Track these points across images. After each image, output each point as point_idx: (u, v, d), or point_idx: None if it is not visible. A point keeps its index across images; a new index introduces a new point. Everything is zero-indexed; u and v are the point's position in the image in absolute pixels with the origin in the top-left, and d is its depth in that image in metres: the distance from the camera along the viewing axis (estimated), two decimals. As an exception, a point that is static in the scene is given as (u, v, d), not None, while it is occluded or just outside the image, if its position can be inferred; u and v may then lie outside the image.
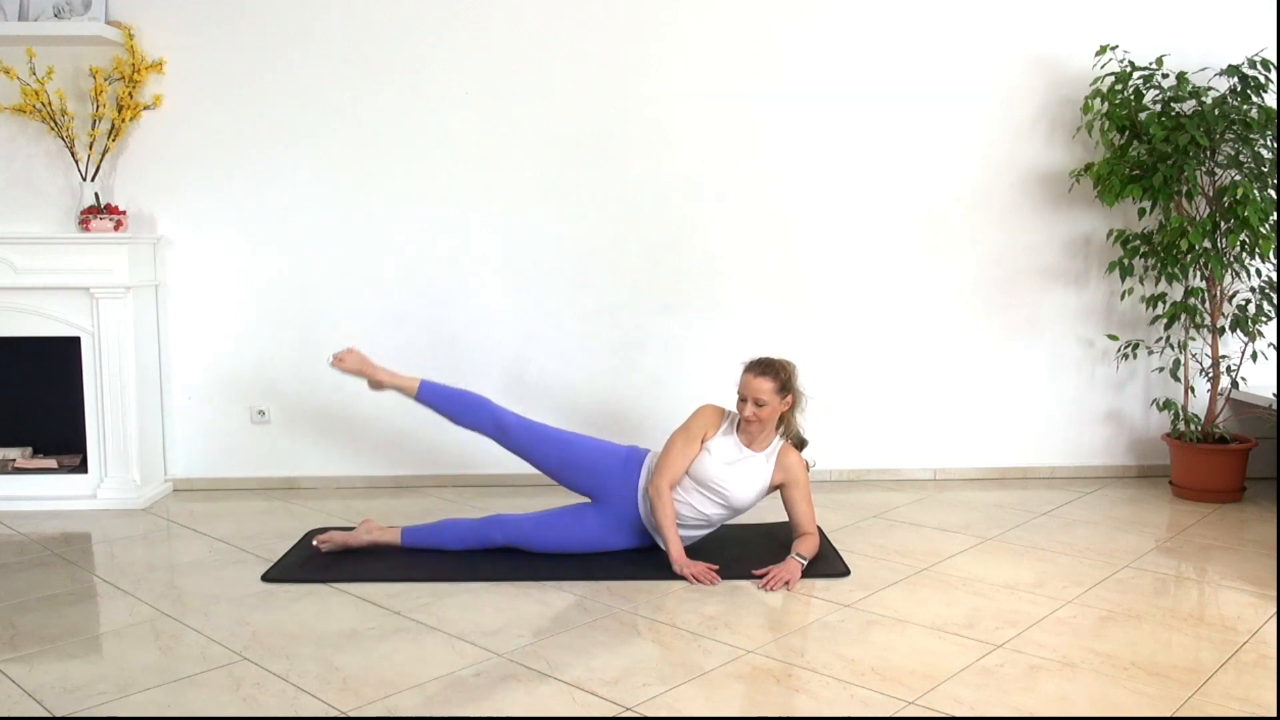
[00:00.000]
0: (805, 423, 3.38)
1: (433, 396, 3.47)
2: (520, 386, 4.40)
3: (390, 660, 2.58)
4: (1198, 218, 4.01)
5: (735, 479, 3.24)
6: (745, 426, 3.27)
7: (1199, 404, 4.28)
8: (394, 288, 4.38)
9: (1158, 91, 4.06)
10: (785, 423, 3.33)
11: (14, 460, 4.22)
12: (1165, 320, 4.13)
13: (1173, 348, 4.29)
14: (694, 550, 3.31)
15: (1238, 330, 4.06)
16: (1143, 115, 4.01)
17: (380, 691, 2.40)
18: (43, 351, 4.21)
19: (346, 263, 4.36)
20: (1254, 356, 4.11)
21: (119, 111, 4.16)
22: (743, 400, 3.24)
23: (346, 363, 3.48)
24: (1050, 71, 4.32)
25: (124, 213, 4.18)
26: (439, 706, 2.33)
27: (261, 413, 4.42)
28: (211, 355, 4.39)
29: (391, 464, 4.46)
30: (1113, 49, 4.12)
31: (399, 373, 3.52)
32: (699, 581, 3.13)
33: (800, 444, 3.36)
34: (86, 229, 4.10)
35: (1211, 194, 4.05)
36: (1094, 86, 4.14)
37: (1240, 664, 2.52)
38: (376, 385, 3.50)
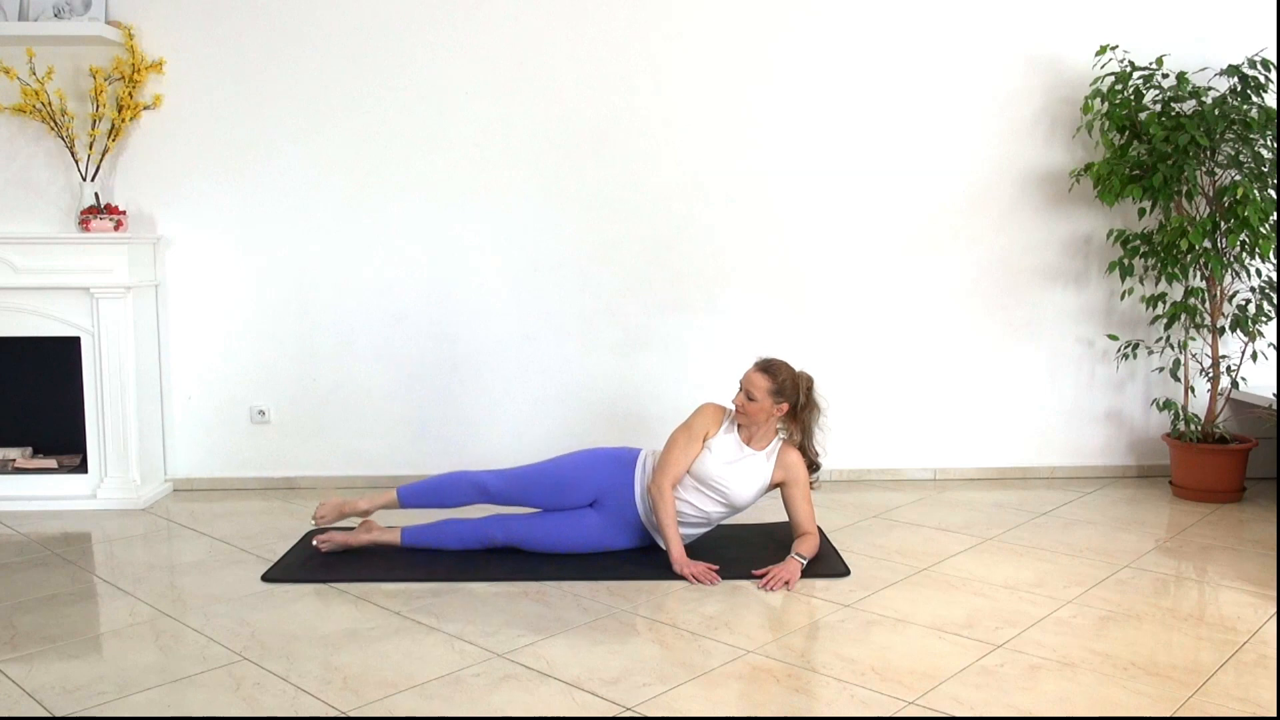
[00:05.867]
0: (821, 438, 3.34)
1: (414, 499, 3.48)
2: (521, 386, 4.41)
3: (390, 660, 2.58)
4: (1198, 218, 4.01)
5: (736, 477, 3.24)
6: (737, 417, 3.28)
7: (1199, 404, 4.28)
8: (394, 288, 4.38)
9: (1158, 91, 4.06)
10: (803, 436, 3.30)
11: (14, 460, 4.22)
12: (1165, 320, 4.13)
13: (1173, 348, 4.29)
14: (693, 550, 3.31)
15: (1238, 330, 4.06)
16: (1143, 115, 4.01)
17: (380, 691, 2.40)
18: (43, 351, 4.21)
19: (346, 263, 4.36)
20: (1254, 356, 4.11)
21: (119, 111, 4.16)
22: (739, 390, 3.26)
23: (327, 515, 3.46)
24: (1050, 71, 4.32)
25: (124, 213, 4.18)
26: (439, 706, 2.33)
27: (261, 413, 4.42)
28: (211, 355, 4.39)
29: (391, 464, 4.45)
30: (1113, 49, 4.12)
31: (374, 497, 3.52)
32: (699, 581, 3.13)
33: (813, 467, 3.32)
34: (86, 229, 4.10)
35: (1211, 194, 4.05)
36: (1094, 86, 4.14)
37: (1240, 664, 2.52)
38: (363, 515, 3.51)
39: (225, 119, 4.28)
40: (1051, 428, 4.49)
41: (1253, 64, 3.99)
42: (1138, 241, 4.12)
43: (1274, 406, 4.07)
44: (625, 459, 3.37)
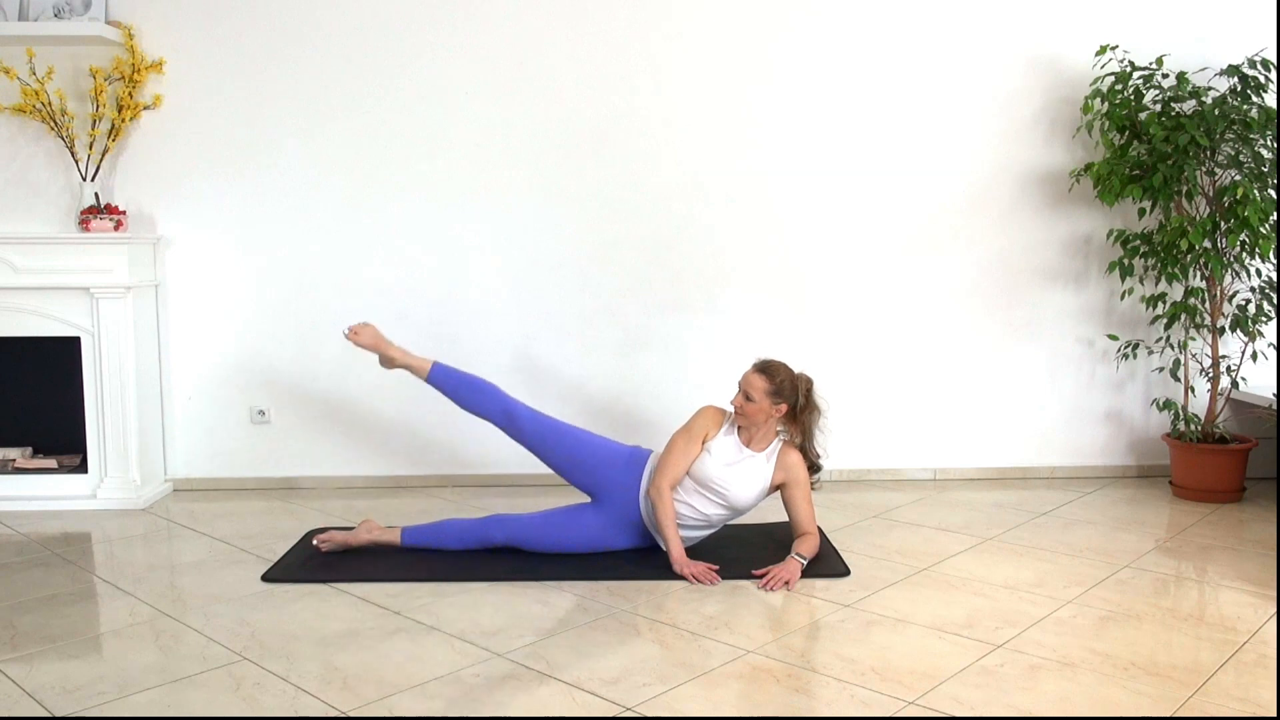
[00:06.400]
0: (821, 440, 3.33)
1: (444, 379, 3.47)
2: (521, 386, 4.40)
3: (390, 660, 2.58)
4: (1198, 218, 4.01)
5: (735, 479, 3.24)
6: (735, 418, 3.27)
7: (1199, 404, 4.28)
8: (394, 287, 4.38)
9: (1158, 91, 4.06)
10: (803, 438, 3.29)
11: (14, 460, 4.22)
12: (1165, 320, 4.13)
13: (1173, 348, 4.29)
14: (694, 551, 3.31)
15: (1238, 330, 4.06)
16: (1143, 115, 4.01)
17: (380, 691, 2.40)
18: (43, 351, 4.21)
19: (346, 263, 4.36)
20: (1254, 356, 4.11)
21: (119, 111, 4.16)
22: (738, 391, 3.26)
23: (361, 337, 3.49)
24: (1050, 72, 4.32)
25: (124, 213, 4.18)
26: (439, 706, 2.33)
27: (261, 413, 4.42)
28: (211, 355, 4.39)
29: (391, 464, 4.46)
30: (1113, 49, 4.12)
31: (412, 353, 3.51)
32: (699, 581, 3.12)
33: (814, 468, 3.31)
34: (86, 229, 4.10)
35: (1211, 194, 4.05)
36: (1094, 86, 4.14)
37: (1240, 664, 2.52)
38: (388, 363, 3.50)
39: (225, 119, 4.28)
40: (1051, 428, 4.49)
41: (1253, 64, 3.99)
42: (1138, 241, 4.12)
43: (1274, 406, 4.07)
44: (636, 458, 3.37)
